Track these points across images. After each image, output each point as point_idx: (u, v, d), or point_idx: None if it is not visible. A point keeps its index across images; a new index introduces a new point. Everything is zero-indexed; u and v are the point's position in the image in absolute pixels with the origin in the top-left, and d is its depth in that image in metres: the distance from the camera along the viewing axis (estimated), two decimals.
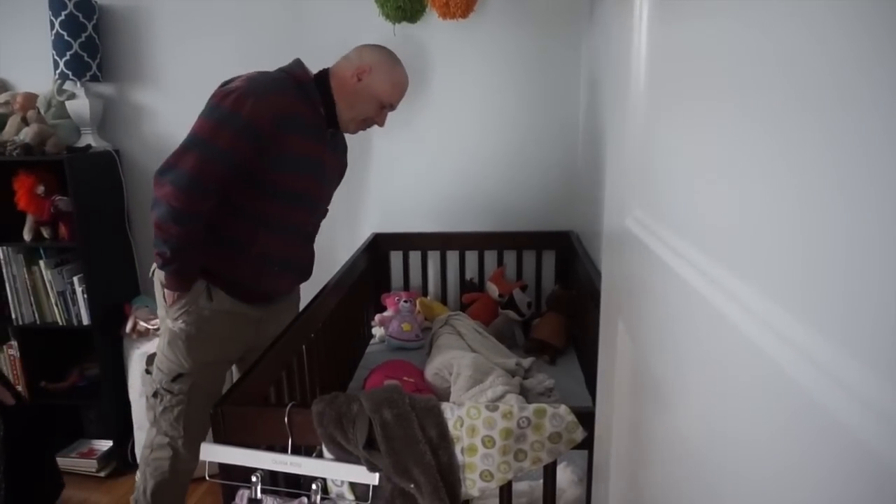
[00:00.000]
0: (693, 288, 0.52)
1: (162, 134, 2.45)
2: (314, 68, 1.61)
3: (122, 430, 2.41)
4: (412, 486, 1.02)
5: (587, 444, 1.03)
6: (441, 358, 1.89)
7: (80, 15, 2.27)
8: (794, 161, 0.36)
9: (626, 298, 0.78)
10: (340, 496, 1.11)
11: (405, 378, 1.82)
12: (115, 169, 2.44)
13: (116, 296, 2.40)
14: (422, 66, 2.41)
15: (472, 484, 1.05)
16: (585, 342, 1.96)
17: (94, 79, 2.36)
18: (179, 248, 1.42)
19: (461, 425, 1.05)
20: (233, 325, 1.57)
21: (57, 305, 2.33)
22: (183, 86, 2.44)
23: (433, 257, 2.56)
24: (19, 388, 2.42)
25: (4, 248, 2.30)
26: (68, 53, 2.26)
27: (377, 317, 2.37)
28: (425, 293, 2.58)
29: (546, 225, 2.50)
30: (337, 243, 2.52)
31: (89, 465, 2.41)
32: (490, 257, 2.54)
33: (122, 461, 2.44)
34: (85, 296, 2.31)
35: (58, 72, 2.29)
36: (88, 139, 2.40)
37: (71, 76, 2.29)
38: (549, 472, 1.09)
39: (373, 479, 1.04)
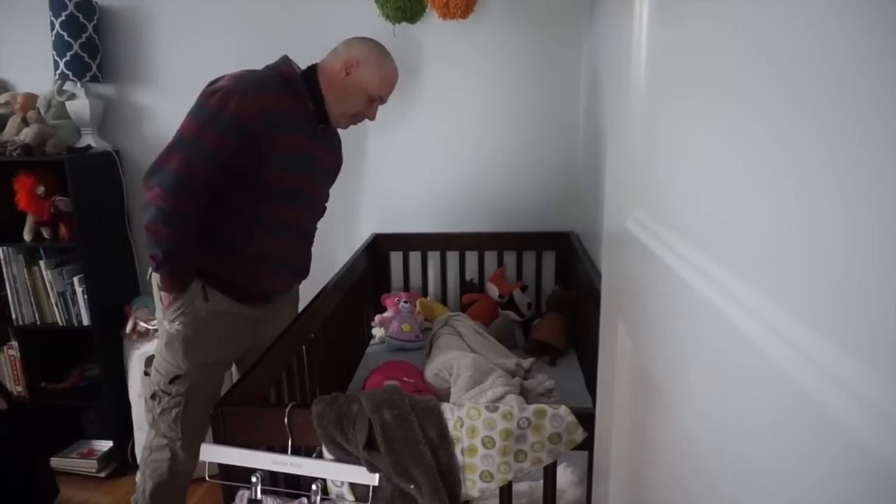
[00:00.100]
0: (693, 288, 0.51)
1: (162, 134, 2.44)
2: None
3: (122, 431, 2.41)
4: (412, 486, 1.02)
5: (587, 444, 1.03)
6: (441, 358, 1.89)
7: (81, 15, 2.27)
8: (793, 161, 0.36)
9: (626, 299, 0.78)
10: (340, 497, 1.11)
11: (405, 379, 1.82)
12: (115, 169, 2.44)
13: (116, 296, 2.40)
14: (422, 67, 2.41)
15: (472, 485, 1.05)
16: (585, 343, 1.96)
17: (95, 79, 2.36)
18: (171, 249, 1.41)
19: (461, 426, 1.05)
20: (230, 326, 1.57)
21: (57, 306, 2.33)
22: (183, 86, 2.43)
23: (433, 258, 2.56)
24: (19, 388, 2.43)
25: (5, 248, 2.30)
26: (68, 54, 2.26)
27: (377, 317, 2.37)
28: (425, 294, 2.58)
29: (546, 225, 2.50)
30: (337, 244, 2.52)
31: (89, 466, 2.41)
32: (490, 258, 2.54)
33: (122, 462, 2.44)
34: (85, 296, 2.31)
35: (58, 72, 2.29)
36: (88, 139, 2.40)
37: (71, 76, 2.29)
38: (550, 473, 1.09)
39: (373, 479, 1.04)
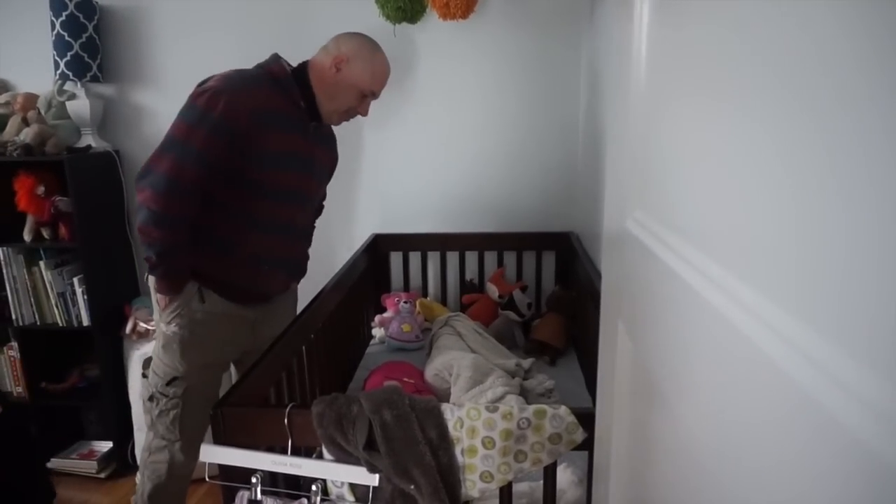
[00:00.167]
0: (693, 288, 0.51)
1: (162, 134, 2.44)
2: None
3: (122, 432, 2.41)
4: (412, 487, 1.02)
5: (587, 444, 1.03)
6: (441, 359, 1.89)
7: (81, 15, 2.27)
8: (792, 161, 0.36)
9: (626, 299, 0.78)
10: (340, 497, 1.11)
11: (405, 379, 1.82)
12: (115, 169, 2.44)
13: (116, 297, 2.40)
14: (422, 67, 2.41)
15: (472, 485, 1.05)
16: (585, 343, 1.96)
17: (95, 79, 2.36)
18: (164, 251, 1.41)
19: (461, 426, 1.05)
20: (227, 327, 1.56)
21: (57, 306, 2.33)
22: (183, 86, 2.40)
23: (433, 258, 2.56)
24: (19, 389, 2.43)
25: (4, 248, 2.30)
26: (69, 54, 2.26)
27: (377, 317, 2.37)
28: (425, 294, 2.58)
29: (546, 226, 2.50)
30: (337, 244, 2.52)
31: (89, 467, 2.40)
32: (490, 258, 2.54)
33: (122, 462, 2.44)
34: (85, 297, 2.30)
35: (58, 72, 2.29)
36: (89, 140, 2.40)
37: (71, 77, 2.30)
38: (550, 473, 1.09)
39: (373, 480, 1.04)
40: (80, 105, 2.36)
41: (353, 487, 1.10)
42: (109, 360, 2.37)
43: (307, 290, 1.80)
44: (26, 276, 2.32)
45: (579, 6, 2.32)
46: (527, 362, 1.88)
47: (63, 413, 2.52)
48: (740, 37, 0.45)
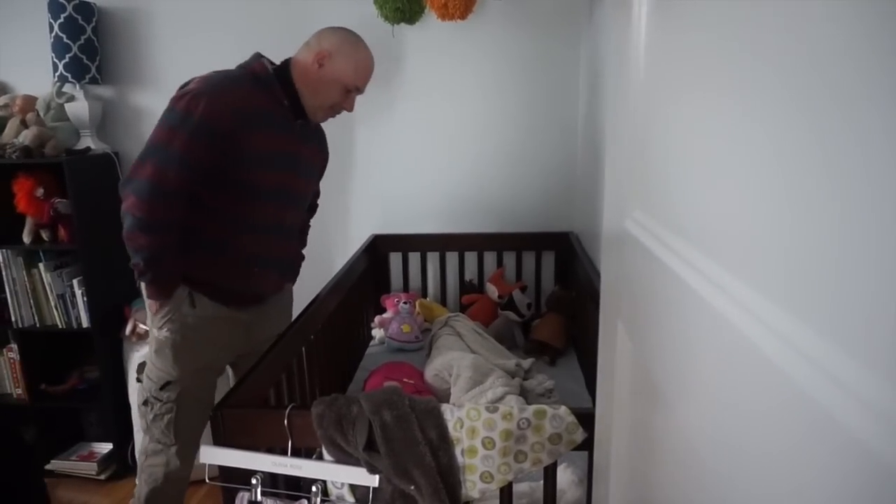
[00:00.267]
0: (692, 288, 0.52)
1: None
2: None
3: (122, 433, 2.41)
4: (412, 487, 1.02)
5: (587, 445, 1.03)
6: (441, 359, 1.89)
7: (79, 17, 2.27)
8: (790, 161, 0.36)
9: (625, 299, 0.78)
10: (341, 498, 1.11)
11: (405, 379, 1.82)
12: (114, 171, 2.44)
13: (116, 298, 2.40)
14: (420, 68, 2.41)
15: (472, 485, 1.05)
16: (585, 343, 1.96)
17: (94, 81, 2.36)
18: (151, 257, 1.40)
19: (461, 427, 1.05)
20: (220, 331, 1.55)
21: (56, 308, 2.33)
22: None
23: (433, 258, 2.56)
24: (19, 391, 2.42)
25: (4, 250, 2.30)
26: (67, 56, 2.26)
27: (377, 318, 2.37)
28: (425, 294, 2.58)
29: (546, 226, 2.50)
30: (336, 245, 2.52)
31: (89, 468, 2.40)
32: (489, 258, 2.54)
33: (122, 464, 2.44)
34: (84, 298, 2.30)
35: (57, 74, 2.29)
36: (88, 141, 2.40)
37: (70, 78, 2.29)
38: (550, 474, 1.09)
39: (373, 480, 1.04)
40: (78, 107, 2.36)
41: (354, 488, 1.10)
42: (109, 362, 2.36)
43: (306, 291, 1.80)
44: (26, 278, 2.31)
45: (578, 6, 2.32)
46: (527, 362, 1.88)
47: (63, 415, 2.51)
48: (738, 37, 0.45)
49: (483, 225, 2.51)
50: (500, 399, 1.60)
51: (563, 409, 1.05)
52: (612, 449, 0.81)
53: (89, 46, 2.31)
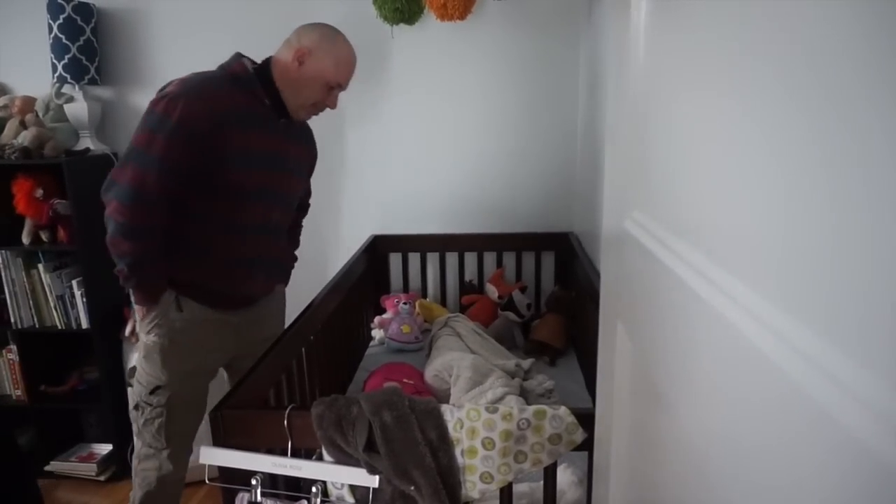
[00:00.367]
0: (691, 288, 0.52)
1: None
2: None
3: (121, 434, 2.40)
4: (412, 488, 1.02)
5: (587, 445, 1.03)
6: (441, 360, 1.89)
7: (79, 18, 2.27)
8: (789, 162, 0.36)
9: (625, 299, 0.78)
10: (341, 499, 1.11)
11: (405, 380, 1.82)
12: None
13: (115, 299, 2.40)
14: (419, 68, 2.41)
15: (472, 486, 1.05)
16: (585, 343, 1.96)
17: (93, 82, 2.36)
18: (135, 262, 1.40)
19: (461, 427, 1.05)
20: (208, 334, 1.54)
21: (56, 309, 2.33)
22: None
23: (432, 259, 2.56)
24: (18, 392, 2.42)
25: (3, 251, 2.30)
26: (66, 56, 2.26)
27: (376, 319, 2.37)
28: (424, 295, 2.58)
29: (545, 226, 2.50)
30: (336, 245, 2.52)
31: (89, 469, 2.40)
32: (489, 259, 2.54)
33: (121, 465, 2.43)
34: (84, 299, 2.30)
35: (56, 75, 2.29)
36: (87, 142, 2.40)
37: (69, 79, 2.29)
38: (550, 474, 1.09)
39: (373, 481, 1.04)
40: (78, 108, 2.36)
41: (354, 489, 1.10)
42: (109, 363, 2.36)
43: (305, 292, 1.79)
44: (25, 279, 2.31)
45: (577, 7, 2.32)
46: (526, 363, 1.88)
47: (62, 416, 2.51)
48: (737, 37, 0.45)
49: (483, 225, 2.51)
50: (500, 399, 1.60)
51: (562, 410, 1.05)
52: (612, 449, 0.81)
53: (88, 47, 2.31)
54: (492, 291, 2.41)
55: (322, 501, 1.08)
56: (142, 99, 2.50)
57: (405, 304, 2.32)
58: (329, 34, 1.55)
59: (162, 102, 1.37)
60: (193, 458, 1.50)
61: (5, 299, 2.32)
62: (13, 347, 2.39)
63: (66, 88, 2.37)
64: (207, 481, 1.11)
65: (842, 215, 0.31)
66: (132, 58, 2.46)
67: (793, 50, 0.36)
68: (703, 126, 0.52)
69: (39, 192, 2.22)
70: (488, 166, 2.47)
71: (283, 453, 1.09)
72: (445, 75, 2.41)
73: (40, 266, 2.31)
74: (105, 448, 2.47)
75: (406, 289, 2.56)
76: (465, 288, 2.53)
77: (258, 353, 1.39)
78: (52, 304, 2.33)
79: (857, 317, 0.30)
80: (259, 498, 1.08)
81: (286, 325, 1.59)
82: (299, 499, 1.10)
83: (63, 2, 2.24)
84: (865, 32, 0.29)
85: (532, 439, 1.04)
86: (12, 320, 2.34)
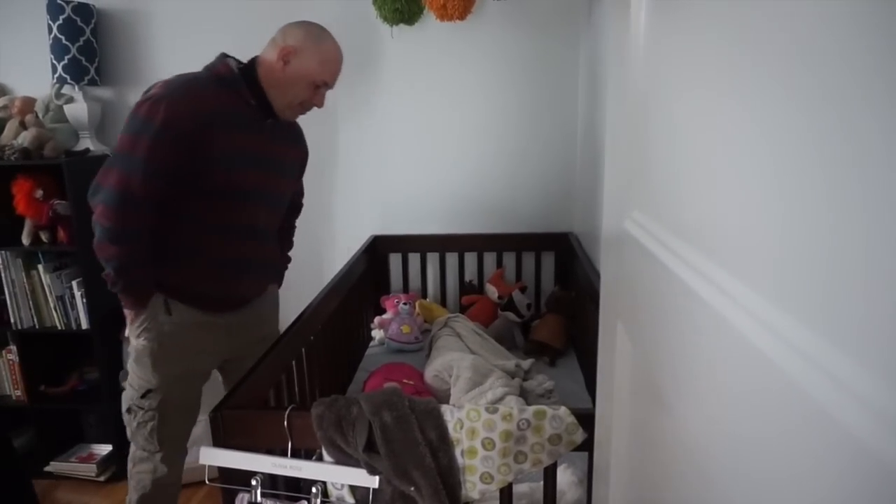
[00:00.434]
0: (691, 288, 0.52)
1: None
2: None
3: (121, 435, 2.38)
4: (412, 488, 1.02)
5: (587, 445, 1.03)
6: (440, 360, 1.89)
7: (78, 19, 2.27)
8: (789, 162, 0.36)
9: (625, 300, 0.78)
10: (340, 499, 1.11)
11: (405, 380, 1.82)
12: None
13: (115, 299, 2.37)
14: (419, 69, 2.41)
15: (472, 486, 1.05)
16: (585, 343, 1.96)
17: (93, 82, 2.36)
18: (122, 266, 1.39)
19: (461, 427, 1.05)
20: (199, 337, 1.53)
21: (56, 310, 2.33)
22: None
23: (432, 259, 2.56)
24: (18, 392, 2.42)
25: (3, 252, 2.30)
26: (66, 57, 2.26)
27: (376, 319, 2.37)
28: (424, 295, 2.58)
29: (545, 226, 2.50)
30: (336, 245, 2.52)
31: (89, 470, 2.40)
32: (489, 259, 2.54)
33: (121, 465, 2.42)
34: (84, 300, 2.30)
35: (56, 76, 2.29)
36: (87, 143, 2.40)
37: (69, 80, 2.29)
38: (550, 474, 1.09)
39: (373, 482, 1.04)
40: (77, 108, 2.36)
41: (354, 489, 1.10)
42: (108, 363, 2.36)
43: (305, 292, 1.80)
44: (25, 280, 2.31)
45: (577, 7, 2.32)
46: (526, 363, 1.88)
47: (62, 416, 2.51)
48: (737, 37, 0.45)
49: (483, 225, 2.51)
50: (500, 400, 1.60)
51: (562, 410, 1.05)
52: (612, 449, 0.81)
53: (88, 48, 2.31)
54: (492, 292, 2.41)
55: (322, 502, 1.08)
56: None
57: (405, 304, 2.32)
58: (314, 32, 1.53)
59: (146, 105, 1.37)
60: (193, 459, 1.50)
61: (5, 300, 2.32)
62: (13, 348, 2.40)
63: (65, 89, 2.37)
64: (207, 482, 1.11)
65: (840, 215, 0.31)
66: (132, 58, 2.46)
67: (792, 50, 0.36)
68: (702, 126, 0.52)
69: (39, 193, 2.22)
70: (488, 166, 2.47)
71: (283, 454, 1.09)
72: (445, 76, 2.41)
73: (40, 266, 2.31)
74: (105, 448, 2.47)
75: (406, 289, 2.56)
76: (464, 288, 2.53)
77: (252, 354, 1.38)
78: (51, 305, 2.33)
79: (855, 316, 0.30)
80: (259, 498, 1.08)
81: (281, 326, 1.58)
82: (299, 499, 1.10)
83: (63, 2, 2.24)
84: (864, 33, 0.29)
85: (532, 440, 1.04)
86: (12, 321, 2.34)
